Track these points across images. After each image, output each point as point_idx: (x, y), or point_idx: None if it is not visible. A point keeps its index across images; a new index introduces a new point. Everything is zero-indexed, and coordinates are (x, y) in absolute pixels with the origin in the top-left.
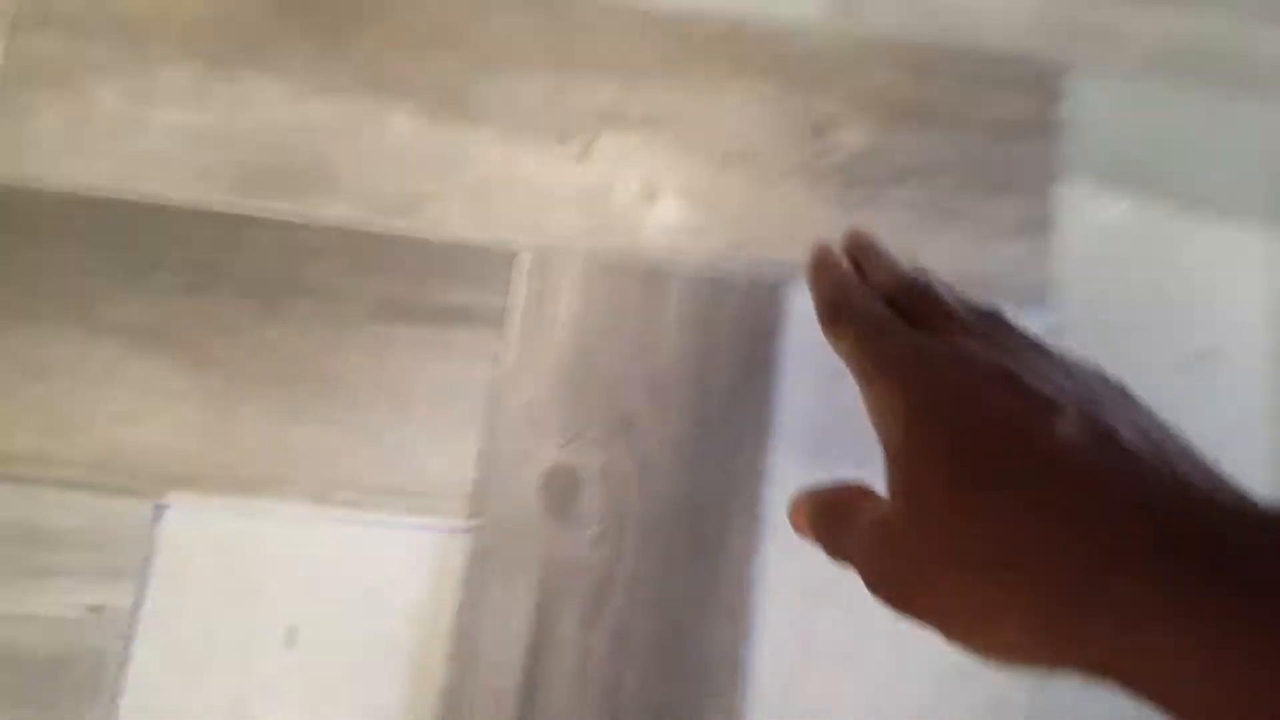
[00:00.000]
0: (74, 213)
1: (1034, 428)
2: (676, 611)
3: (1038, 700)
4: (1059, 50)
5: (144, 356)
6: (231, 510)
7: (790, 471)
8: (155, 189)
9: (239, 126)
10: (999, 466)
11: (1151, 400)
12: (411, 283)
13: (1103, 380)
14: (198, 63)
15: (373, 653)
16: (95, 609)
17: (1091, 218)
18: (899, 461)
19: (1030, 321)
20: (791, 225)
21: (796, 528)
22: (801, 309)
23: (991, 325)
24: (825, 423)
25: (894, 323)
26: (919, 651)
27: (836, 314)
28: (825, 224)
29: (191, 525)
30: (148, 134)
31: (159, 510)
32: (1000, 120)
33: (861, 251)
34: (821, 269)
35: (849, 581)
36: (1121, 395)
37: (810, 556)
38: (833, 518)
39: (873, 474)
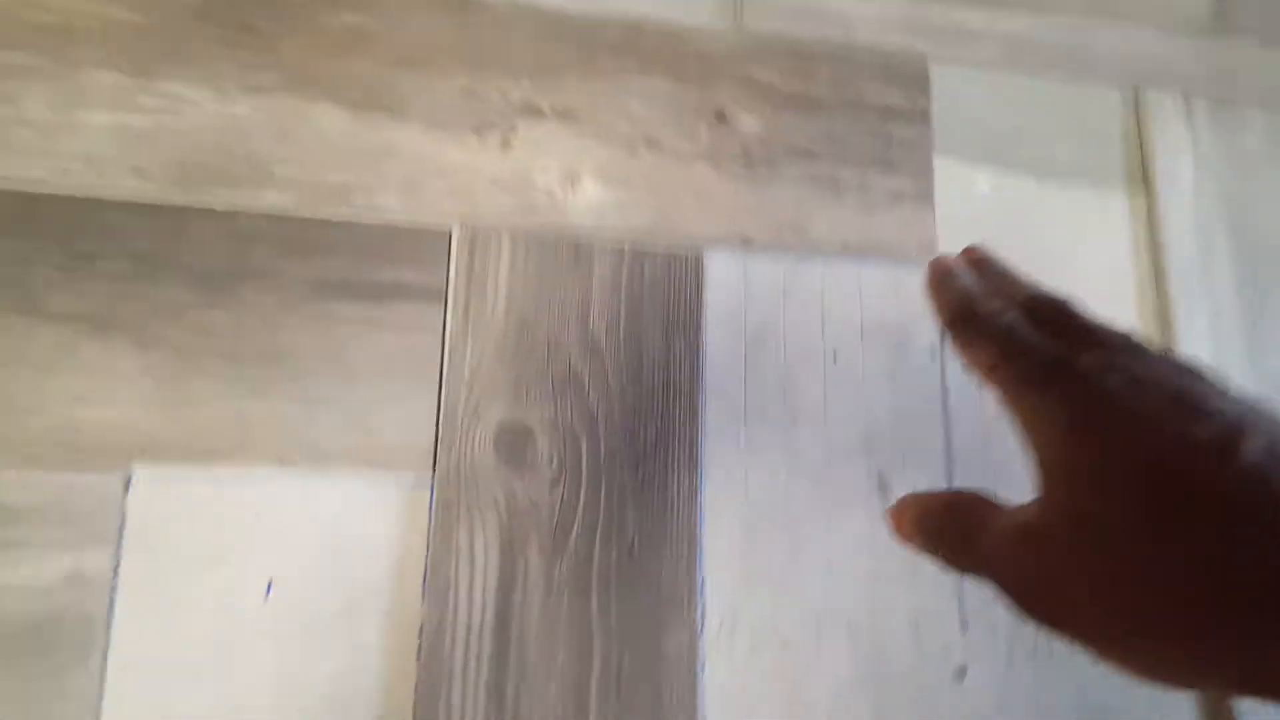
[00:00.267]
0: (11, 208)
1: (1223, 452)
2: (630, 544)
3: (969, 607)
4: (924, 46)
5: (92, 341)
6: (197, 477)
7: (720, 420)
8: (91, 185)
9: (170, 127)
10: (1192, 490)
11: None
12: (350, 264)
13: (1263, 407)
14: (123, 69)
15: (351, 600)
16: (72, 576)
17: (963, 190)
18: (1064, 480)
19: (919, 278)
20: (703, 201)
21: (900, 533)
22: (718, 276)
23: (1139, 344)
24: (748, 377)
25: (1039, 336)
26: (847, 570)
27: (966, 325)
28: (733, 199)
29: (160, 493)
30: (79, 136)
31: (127, 481)
32: (877, 106)
33: (982, 268)
34: (945, 281)
35: (780, 516)
36: (1269, 414)
37: (745, 494)
38: (955, 527)
39: (788, 419)
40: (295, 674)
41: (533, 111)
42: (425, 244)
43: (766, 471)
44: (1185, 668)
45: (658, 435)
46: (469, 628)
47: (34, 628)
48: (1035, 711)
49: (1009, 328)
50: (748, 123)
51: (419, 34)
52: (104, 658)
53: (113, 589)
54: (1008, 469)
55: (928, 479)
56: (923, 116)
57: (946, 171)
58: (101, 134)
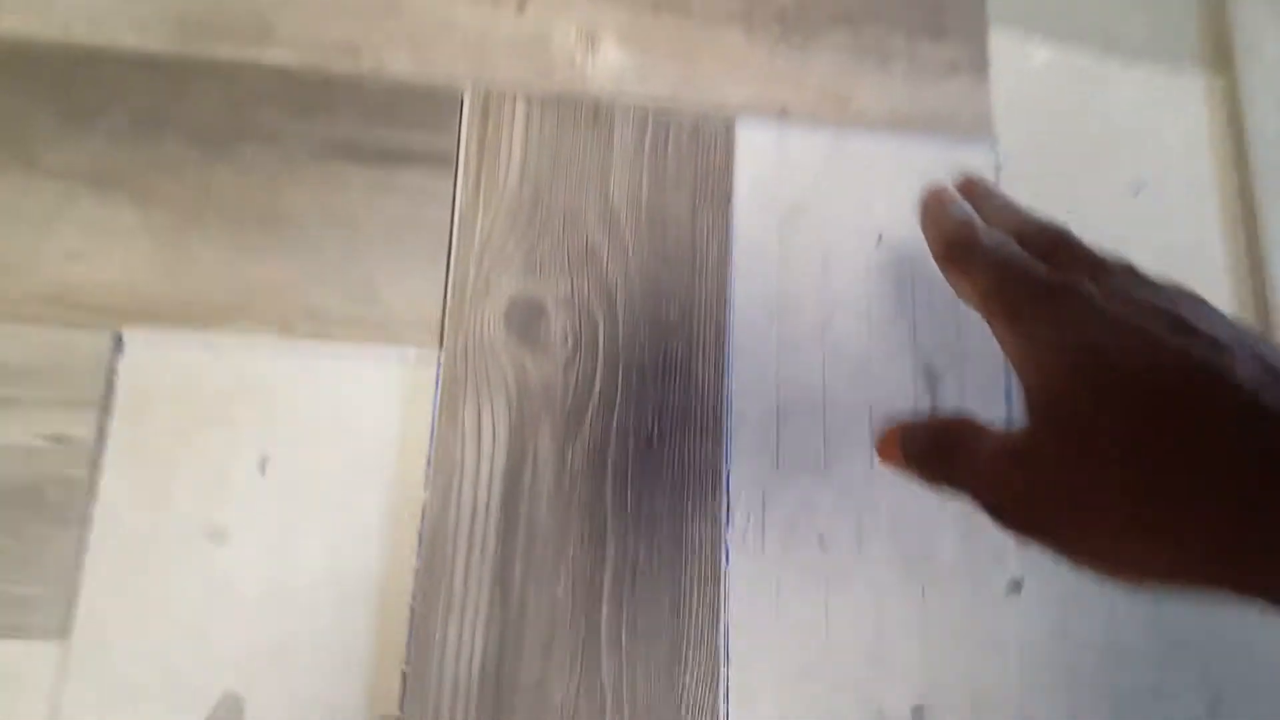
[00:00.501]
0: (8, 63)
1: (1215, 370)
2: (650, 429)
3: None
4: None
5: (89, 198)
6: (193, 342)
7: (751, 303)
8: (92, 39)
9: None
10: (1189, 405)
11: (1103, 230)
12: (357, 125)
13: (1253, 329)
14: None
15: (350, 478)
16: (58, 439)
17: (1019, 63)
18: (1059, 401)
19: (976, 157)
20: (733, 67)
21: (887, 458)
22: (751, 147)
23: (1133, 270)
24: (782, 255)
25: (1037, 262)
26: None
27: (964, 253)
28: (767, 65)
29: (153, 356)
30: None
31: (118, 342)
32: None
33: (979, 196)
34: (939, 207)
35: (813, 404)
36: (1260, 337)
37: (777, 383)
38: (943, 448)
39: (828, 306)
40: (288, 553)
41: None
42: (435, 106)
43: (801, 362)
44: (1172, 569)
45: (681, 315)
46: (474, 512)
47: (16, 489)
48: (1102, 631)
49: (1007, 254)
50: None
51: None
52: (86, 525)
53: (99, 454)
54: None
55: (984, 374)
56: None
57: (1003, 41)
58: None
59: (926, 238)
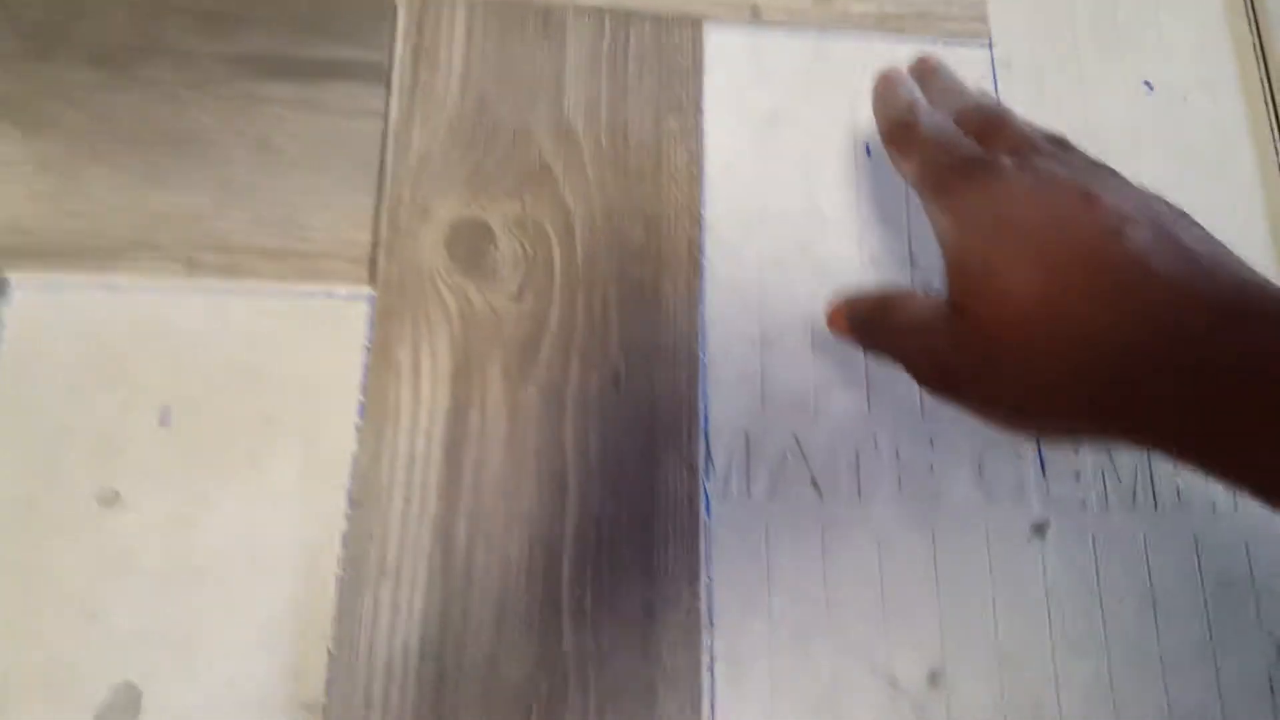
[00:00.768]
0: None
1: (1111, 237)
2: (615, 362)
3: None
4: None
5: None
6: (87, 284)
7: (726, 218)
8: None
9: None
10: (1081, 271)
11: (1116, 133)
12: (278, 39)
13: (1164, 202)
14: None
15: (265, 428)
16: None
17: None
18: (971, 267)
19: (975, 57)
20: None
21: (835, 328)
22: (721, 52)
23: (1060, 146)
24: (760, 167)
25: (966, 140)
26: (889, 395)
27: (904, 133)
28: None
29: (44, 302)
30: None
31: (3, 287)
32: None
33: (928, 76)
34: (889, 90)
35: (801, 331)
36: (1182, 215)
37: (757, 306)
38: (878, 316)
39: (815, 221)
40: (194, 519)
41: None
42: (365, 14)
43: (786, 285)
44: (1072, 421)
45: (648, 236)
46: (411, 464)
47: None
48: (1138, 577)
49: (938, 134)
50: None
51: None
52: None
53: None
54: None
55: None
56: None
57: None
58: None
59: (875, 120)
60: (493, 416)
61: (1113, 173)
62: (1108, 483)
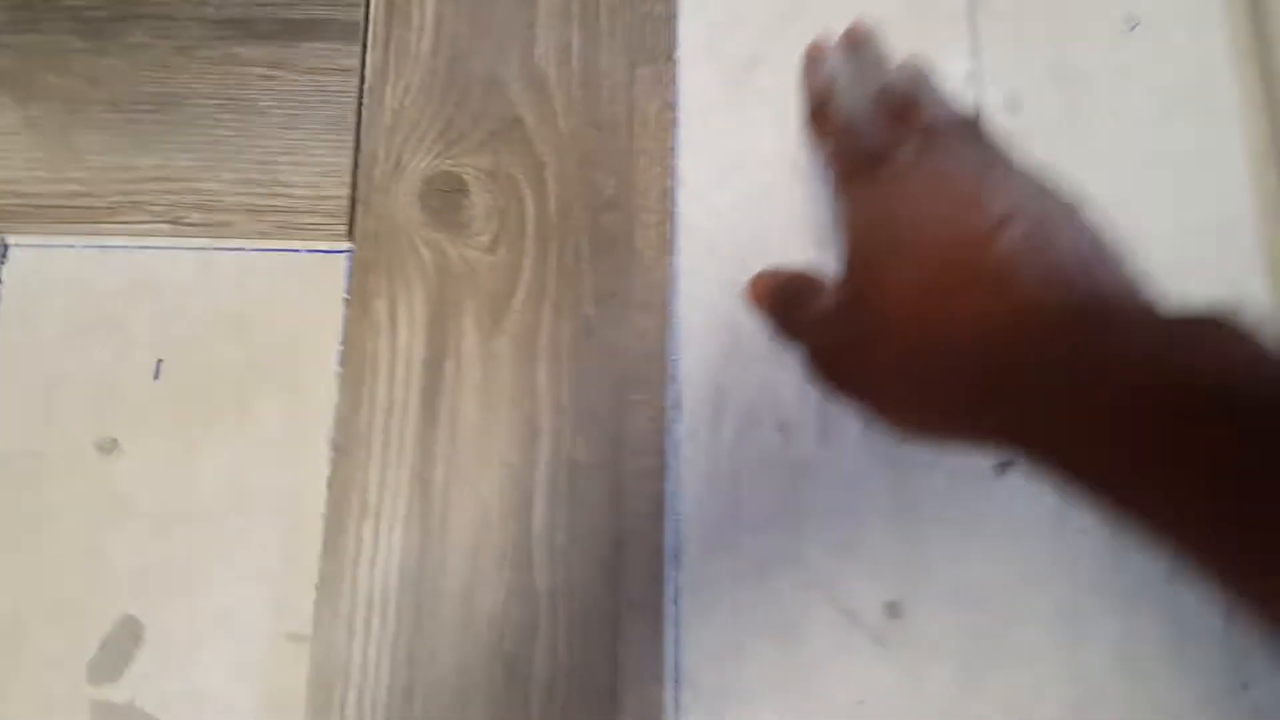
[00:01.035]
0: None
1: (986, 238)
2: (586, 311)
3: None
4: None
5: None
6: (80, 244)
7: (699, 168)
8: None
9: None
10: (954, 269)
11: (1097, 72)
12: (253, 0)
13: (1056, 199)
14: None
15: (252, 379)
16: None
17: None
18: (857, 263)
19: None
20: None
21: (753, 300)
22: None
23: (967, 133)
24: (735, 115)
25: (873, 130)
26: None
27: (819, 117)
28: None
29: (40, 262)
30: None
31: (2, 249)
32: None
33: (856, 48)
34: (812, 67)
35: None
36: (1071, 213)
37: (729, 257)
38: (788, 300)
39: (789, 168)
40: (186, 464)
41: None
42: None
43: (758, 234)
44: (942, 427)
45: (620, 186)
46: (389, 410)
47: None
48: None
49: (846, 121)
50: None
51: None
52: None
53: None
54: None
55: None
56: None
57: None
58: None
59: (801, 96)
60: (467, 365)
61: (1008, 164)
62: None
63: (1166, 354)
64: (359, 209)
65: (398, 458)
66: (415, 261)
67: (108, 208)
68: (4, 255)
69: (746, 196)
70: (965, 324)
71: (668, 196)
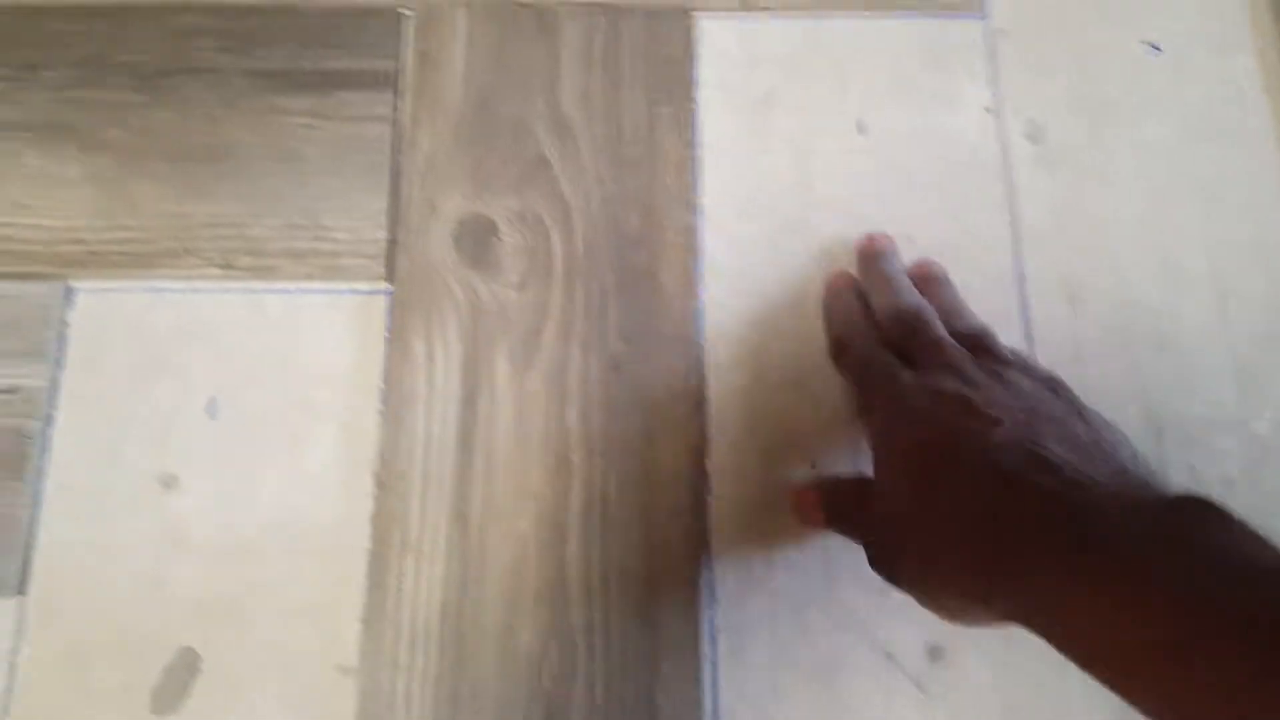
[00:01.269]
0: None
1: (976, 440)
2: (614, 347)
3: None
4: None
5: (36, 148)
6: (139, 288)
7: (721, 203)
8: None
9: None
10: (948, 471)
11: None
12: (294, 53)
13: (1053, 395)
14: None
15: (301, 416)
16: (11, 391)
17: None
18: (885, 477)
19: (969, 30)
20: None
21: (802, 513)
22: (713, 36)
23: (972, 347)
24: (754, 150)
25: (885, 365)
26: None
27: (842, 351)
28: None
29: (102, 305)
30: None
31: (69, 292)
32: None
33: (869, 271)
34: (835, 301)
35: (798, 312)
36: (1067, 407)
37: (753, 291)
38: (847, 506)
39: (809, 201)
40: (240, 498)
41: None
42: (374, 27)
43: (782, 266)
44: (965, 610)
45: (644, 222)
46: (428, 446)
47: None
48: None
49: (864, 358)
50: None
51: None
52: (40, 478)
53: (52, 406)
54: (1083, 250)
55: (994, 262)
56: None
57: None
58: None
59: (825, 331)
60: (501, 402)
61: (1009, 374)
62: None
63: (1149, 544)
64: (397, 251)
65: (437, 493)
66: (450, 301)
67: (163, 253)
68: (70, 300)
69: (768, 229)
70: (967, 519)
71: (691, 231)
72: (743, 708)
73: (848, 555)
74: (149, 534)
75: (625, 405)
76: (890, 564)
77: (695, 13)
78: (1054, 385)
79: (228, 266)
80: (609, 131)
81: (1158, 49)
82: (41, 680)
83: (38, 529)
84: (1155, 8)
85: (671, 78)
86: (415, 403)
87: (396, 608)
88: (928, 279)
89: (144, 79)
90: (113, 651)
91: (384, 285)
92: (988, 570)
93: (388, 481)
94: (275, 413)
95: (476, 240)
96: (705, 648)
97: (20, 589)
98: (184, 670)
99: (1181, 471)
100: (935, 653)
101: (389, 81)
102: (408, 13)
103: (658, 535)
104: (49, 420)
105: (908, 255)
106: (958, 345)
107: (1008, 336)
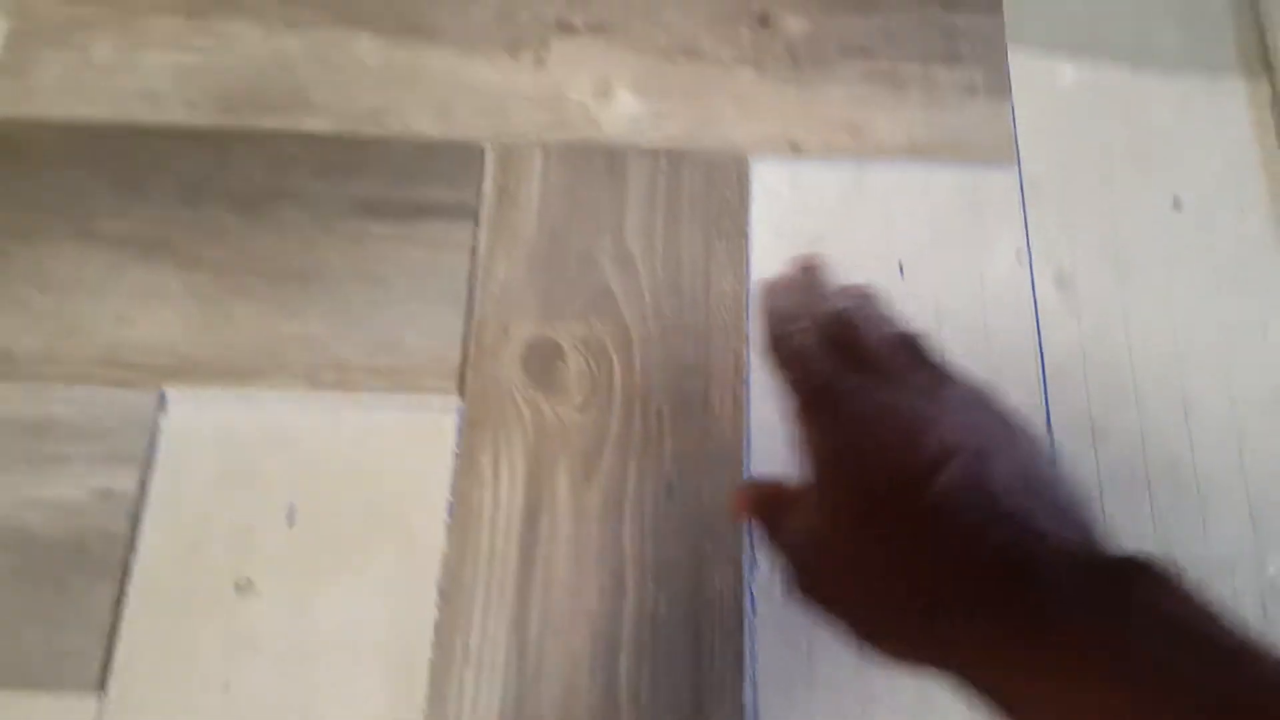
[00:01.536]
0: (73, 140)
1: (921, 479)
2: (668, 471)
3: None
4: None
5: (140, 264)
6: (229, 398)
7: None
8: (147, 117)
9: (220, 63)
10: (893, 508)
11: (1145, 251)
12: (385, 183)
13: (1003, 422)
14: (179, 14)
15: (372, 526)
16: (103, 493)
17: (1046, 83)
18: (818, 488)
19: (1004, 180)
20: (745, 107)
21: (736, 511)
22: (765, 184)
23: (907, 356)
24: None
25: (820, 369)
26: None
27: (776, 351)
28: (779, 102)
29: (191, 413)
30: (138, 74)
31: (161, 400)
32: None
33: (808, 279)
34: (764, 304)
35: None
36: (1015, 436)
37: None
38: (770, 513)
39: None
40: (310, 605)
41: (566, 28)
42: (457, 161)
43: None
44: (897, 653)
45: (698, 352)
46: (491, 559)
47: (61, 543)
48: None
49: (797, 356)
50: (793, 24)
51: None
52: (125, 578)
53: (140, 508)
54: (1107, 377)
55: (1024, 395)
56: (992, 4)
57: (1024, 63)
58: (159, 71)
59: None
60: (561, 519)
61: (949, 388)
62: None
63: (1089, 602)
64: (469, 371)
65: (498, 607)
66: (516, 419)
67: (252, 367)
68: (163, 407)
69: None
70: (901, 557)
71: (741, 361)
72: None
73: (881, 677)
74: (222, 636)
75: (677, 527)
76: (810, 587)
77: (750, 157)
78: (986, 395)
79: (312, 380)
80: (668, 266)
81: (1180, 205)
82: None
83: (120, 626)
84: (1179, 164)
85: (727, 217)
86: (481, 517)
87: (457, 717)
88: (863, 294)
89: (243, 202)
90: None
91: (456, 402)
92: (926, 616)
93: (451, 594)
94: (348, 522)
95: (543, 363)
96: None
97: (101, 685)
98: None
99: None
100: None
101: (470, 213)
102: (490, 149)
103: (704, 656)
104: (137, 522)
105: None
106: (899, 351)
107: None
